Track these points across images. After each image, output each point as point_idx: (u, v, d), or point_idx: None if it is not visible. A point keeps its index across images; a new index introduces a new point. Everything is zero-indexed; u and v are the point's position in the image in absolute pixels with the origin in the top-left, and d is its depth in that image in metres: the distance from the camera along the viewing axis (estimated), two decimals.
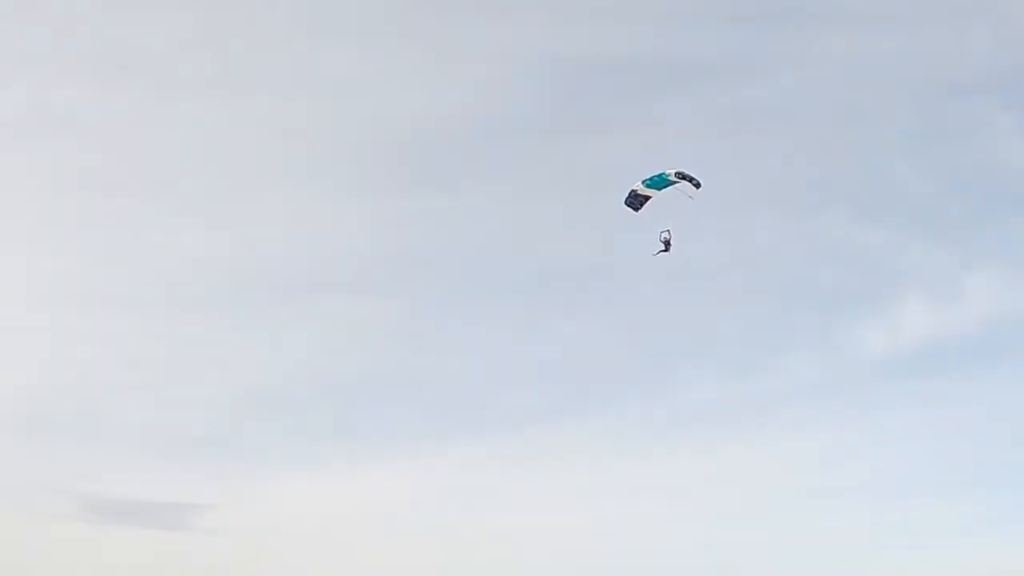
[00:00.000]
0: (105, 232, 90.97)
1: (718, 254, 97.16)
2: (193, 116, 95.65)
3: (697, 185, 46.05)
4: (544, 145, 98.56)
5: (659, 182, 46.15)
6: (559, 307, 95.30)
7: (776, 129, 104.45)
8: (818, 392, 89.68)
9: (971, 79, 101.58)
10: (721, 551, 78.42)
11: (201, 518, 76.32)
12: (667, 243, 48.21)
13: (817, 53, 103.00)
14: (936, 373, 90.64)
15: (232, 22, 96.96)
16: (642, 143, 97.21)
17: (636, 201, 46.88)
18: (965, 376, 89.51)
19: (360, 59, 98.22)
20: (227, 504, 75.94)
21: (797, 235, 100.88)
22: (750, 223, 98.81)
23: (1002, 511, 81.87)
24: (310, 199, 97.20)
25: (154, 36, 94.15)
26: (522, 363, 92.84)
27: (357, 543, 76.39)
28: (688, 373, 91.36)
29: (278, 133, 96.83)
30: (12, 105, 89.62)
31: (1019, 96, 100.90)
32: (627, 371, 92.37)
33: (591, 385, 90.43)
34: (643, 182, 46.40)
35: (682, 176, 45.95)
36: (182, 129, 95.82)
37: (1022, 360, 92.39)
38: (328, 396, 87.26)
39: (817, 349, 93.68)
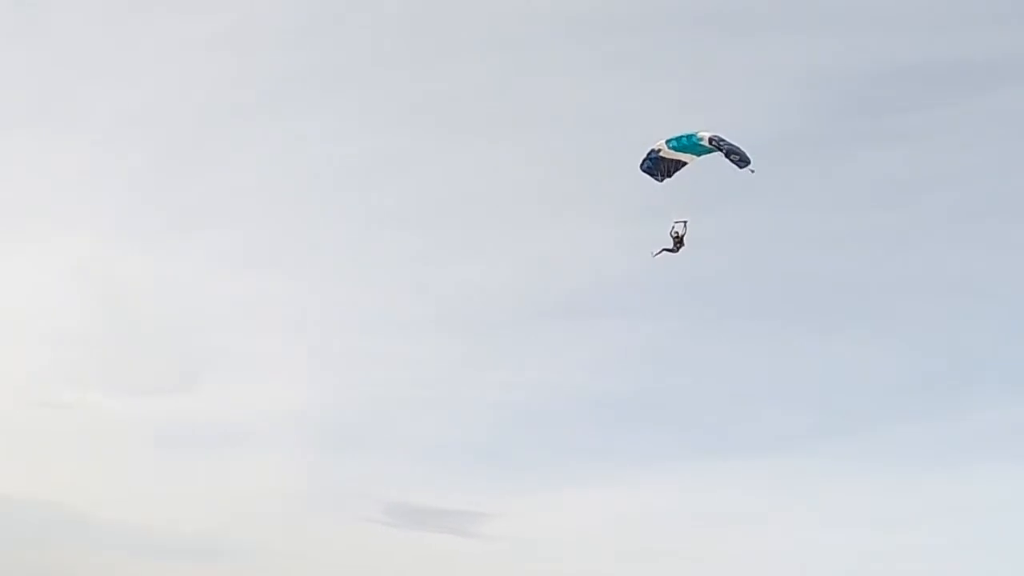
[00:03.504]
0: (401, 265, 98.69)
1: (1002, 262, 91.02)
2: (472, 156, 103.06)
3: (740, 162, 34.60)
4: (808, 160, 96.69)
5: (688, 145, 36.04)
6: (824, 326, 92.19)
7: None
8: None
9: None
10: None
11: (484, 526, 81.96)
12: (678, 239, 37.24)
13: None
14: None
15: (511, 67, 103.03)
16: (914, 152, 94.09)
17: (656, 167, 36.53)
18: None
19: (616, 90, 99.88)
20: (506, 513, 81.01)
21: None
22: None
23: None
24: (576, 228, 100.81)
25: (446, 84, 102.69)
26: (783, 384, 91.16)
27: (621, 556, 79.16)
28: (967, 392, 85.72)
29: (544, 167, 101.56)
30: (344, 154, 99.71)
31: None
32: (900, 392, 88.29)
33: (857, 407, 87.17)
34: (667, 143, 36.40)
35: (718, 146, 35.00)
36: (462, 168, 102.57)
37: None
38: (593, 414, 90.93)
39: None
